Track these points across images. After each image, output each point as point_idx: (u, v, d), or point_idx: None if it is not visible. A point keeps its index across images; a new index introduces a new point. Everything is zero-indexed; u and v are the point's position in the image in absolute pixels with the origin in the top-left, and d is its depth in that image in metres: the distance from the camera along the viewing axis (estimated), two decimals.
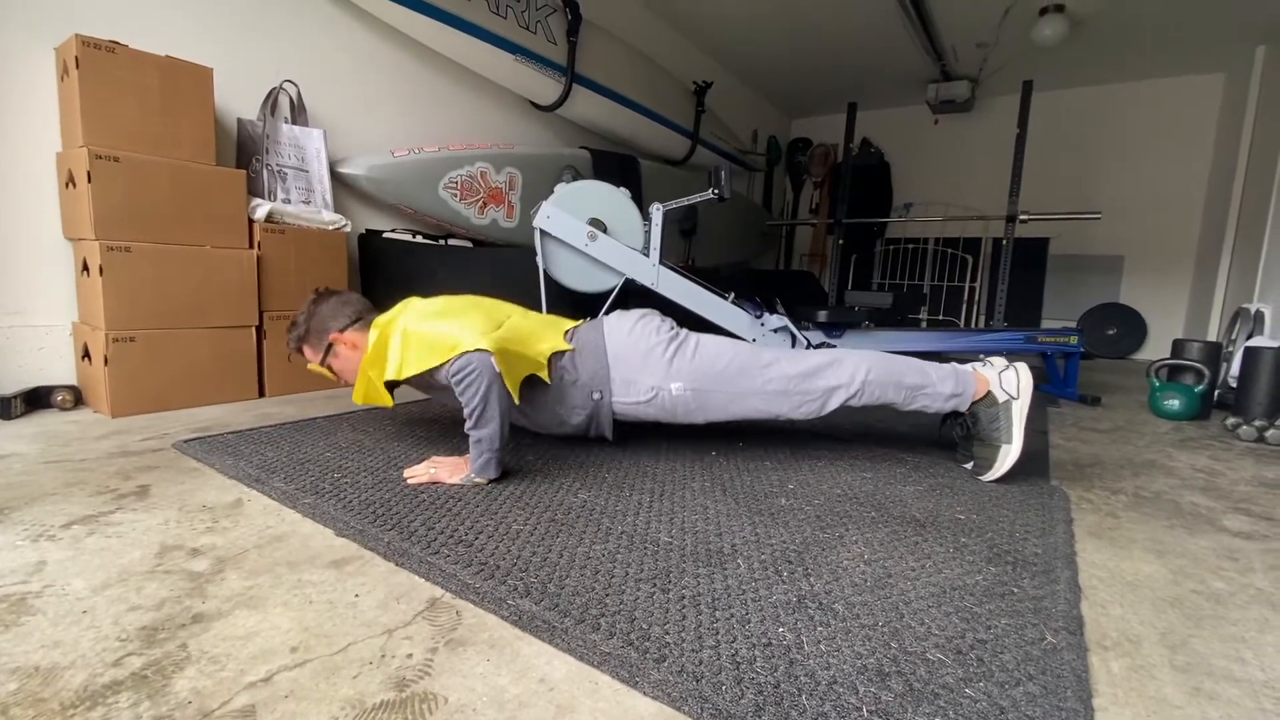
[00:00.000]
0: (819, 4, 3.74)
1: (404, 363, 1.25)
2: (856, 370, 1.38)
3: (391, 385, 1.33)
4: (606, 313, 1.56)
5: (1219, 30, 3.80)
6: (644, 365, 1.37)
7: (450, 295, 1.45)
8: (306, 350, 1.42)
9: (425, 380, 1.30)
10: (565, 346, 1.40)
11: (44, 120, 1.75)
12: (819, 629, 0.78)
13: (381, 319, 1.36)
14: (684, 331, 1.45)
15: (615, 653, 0.72)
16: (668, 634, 0.76)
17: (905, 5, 3.59)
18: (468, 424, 1.24)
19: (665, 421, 1.44)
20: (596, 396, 1.39)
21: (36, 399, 1.74)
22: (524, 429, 1.54)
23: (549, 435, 1.57)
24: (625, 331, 1.41)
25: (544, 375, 1.36)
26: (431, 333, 1.26)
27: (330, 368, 1.42)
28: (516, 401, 1.29)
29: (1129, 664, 0.76)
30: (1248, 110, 3.86)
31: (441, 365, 1.23)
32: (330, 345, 1.39)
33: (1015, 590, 0.91)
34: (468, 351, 1.21)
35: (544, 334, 1.41)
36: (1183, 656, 0.78)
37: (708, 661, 0.71)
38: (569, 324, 1.49)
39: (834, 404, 1.39)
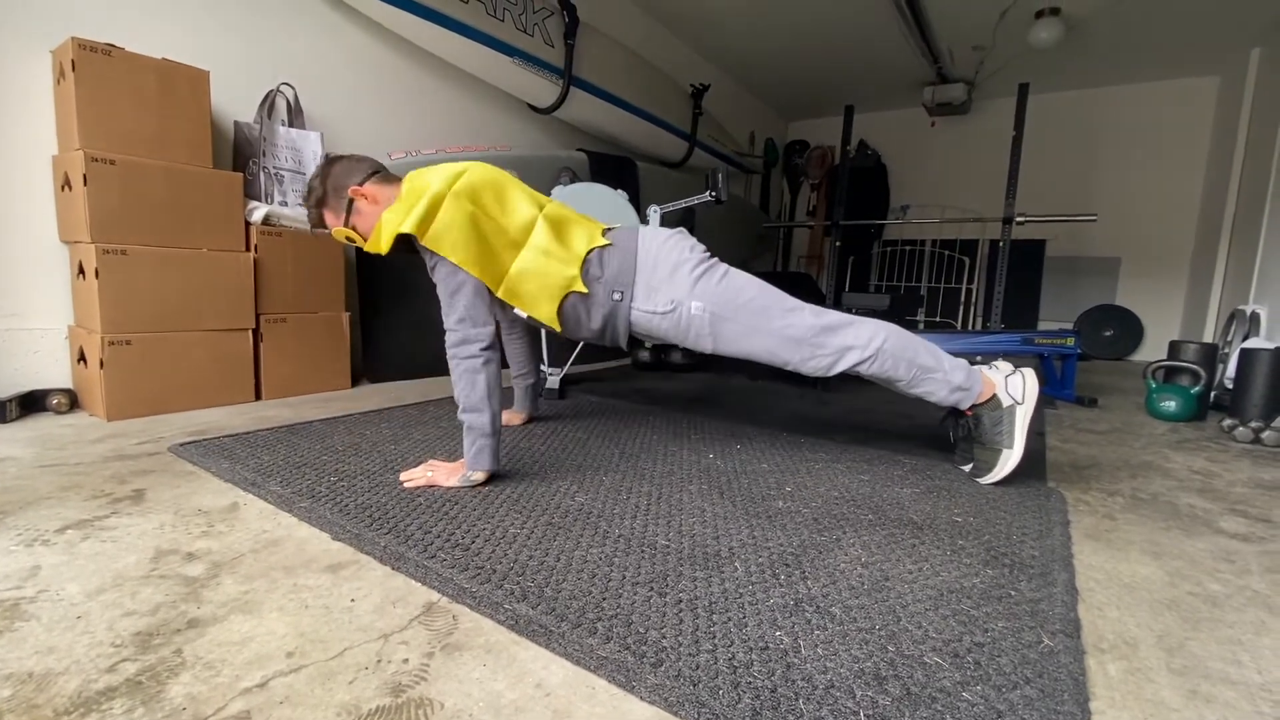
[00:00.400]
0: (816, 7, 3.75)
1: (437, 231, 1.23)
2: (875, 336, 1.37)
3: (403, 241, 1.28)
4: None
5: (1214, 33, 3.82)
6: (670, 277, 1.35)
7: (488, 168, 1.38)
8: (327, 215, 1.36)
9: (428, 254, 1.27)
10: (602, 242, 1.36)
11: (40, 123, 1.75)
12: (816, 632, 0.78)
13: (421, 174, 1.31)
14: (716, 258, 1.42)
15: (612, 657, 0.71)
16: (665, 638, 0.76)
17: (902, 8, 3.60)
18: (460, 410, 1.24)
19: (674, 341, 1.41)
20: (617, 297, 1.35)
21: (31, 402, 1.73)
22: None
23: (564, 349, 1.51)
24: (660, 241, 1.39)
25: (579, 285, 1.32)
26: (474, 225, 1.25)
27: (355, 228, 1.35)
28: (558, 329, 1.31)
29: (1126, 667, 0.76)
30: (1242, 113, 3.88)
31: (455, 272, 1.24)
32: (351, 201, 1.33)
33: (1013, 593, 0.91)
34: (469, 321, 1.23)
35: (581, 229, 1.38)
36: (1180, 659, 0.78)
37: (705, 665, 0.70)
38: (604, 225, 1.46)
39: (844, 364, 1.37)
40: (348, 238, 1.37)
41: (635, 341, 1.47)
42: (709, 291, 1.35)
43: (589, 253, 1.35)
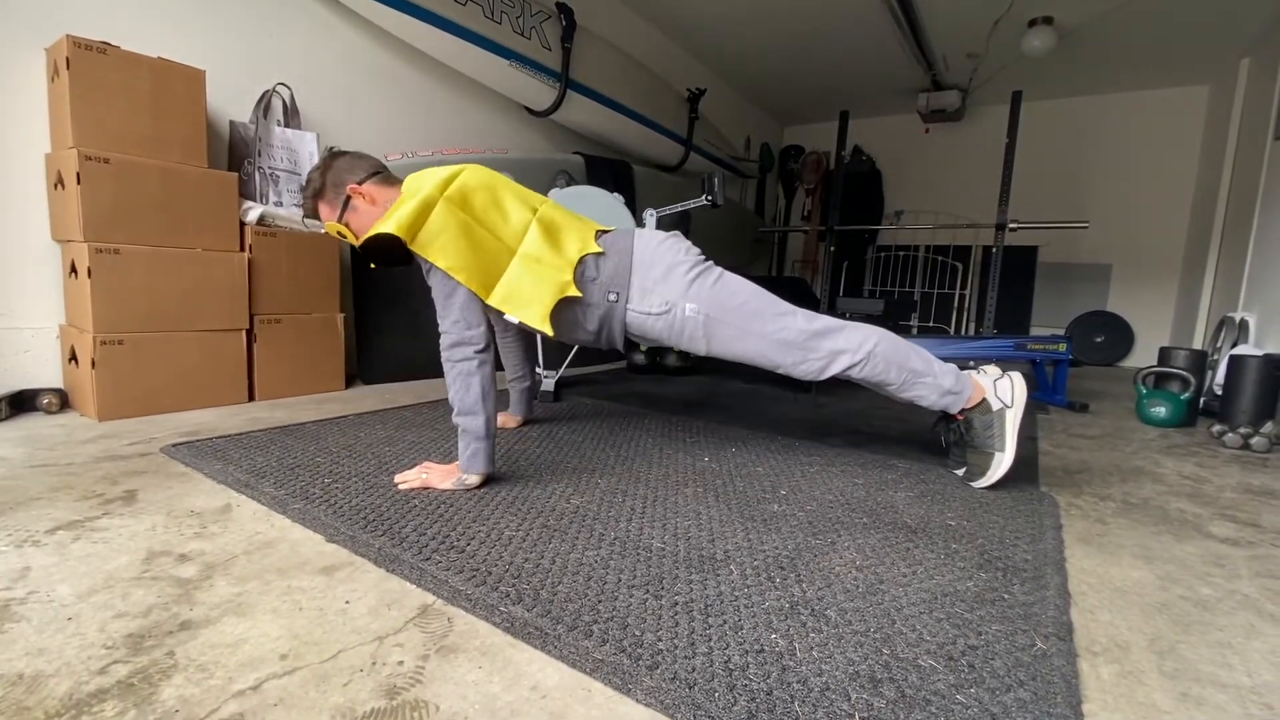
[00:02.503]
0: (812, 13, 3.77)
1: (427, 236, 1.21)
2: (866, 340, 1.38)
3: (390, 249, 1.25)
4: None
5: (1204, 43, 3.87)
6: (665, 279, 1.35)
7: (484, 170, 1.37)
8: (322, 208, 1.35)
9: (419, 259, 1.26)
10: (595, 248, 1.36)
11: (33, 121, 1.74)
12: (811, 635, 0.79)
13: (418, 177, 1.29)
14: (710, 261, 1.43)
15: (608, 660, 0.71)
16: (660, 641, 0.76)
17: (897, 15, 3.63)
18: (454, 413, 1.24)
19: (668, 343, 1.41)
20: (612, 298, 1.35)
21: (21, 402, 1.72)
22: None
23: (559, 352, 1.49)
24: (655, 242, 1.39)
25: (572, 290, 1.31)
26: (466, 232, 1.24)
27: (348, 225, 1.34)
28: (551, 335, 1.30)
29: (1118, 670, 0.77)
30: (1232, 122, 3.93)
31: (448, 278, 1.23)
32: (348, 199, 1.32)
33: (1006, 596, 0.92)
34: (463, 323, 1.22)
35: (575, 233, 1.38)
36: (1171, 662, 0.79)
37: (700, 668, 0.70)
38: (599, 226, 1.46)
39: (836, 368, 1.38)
40: (339, 233, 1.36)
41: (631, 344, 1.47)
42: (703, 294, 1.35)
43: (582, 258, 1.34)
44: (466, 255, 1.24)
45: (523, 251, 1.30)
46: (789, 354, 1.38)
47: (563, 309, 1.33)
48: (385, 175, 1.36)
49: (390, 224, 1.20)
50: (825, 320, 1.40)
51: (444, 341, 1.25)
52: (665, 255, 1.37)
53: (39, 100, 1.74)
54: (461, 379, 1.23)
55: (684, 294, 1.35)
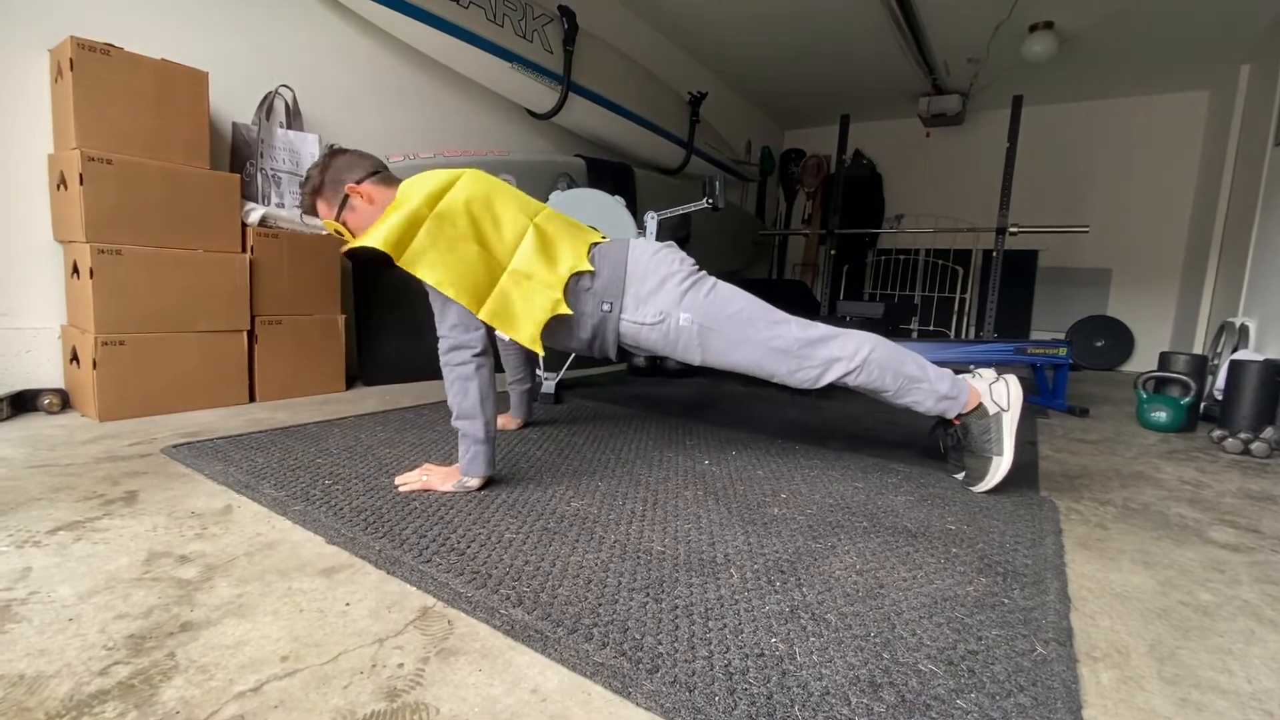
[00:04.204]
0: (814, 17, 3.78)
1: (413, 253, 1.19)
2: (861, 347, 1.38)
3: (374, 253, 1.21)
4: None
5: (1205, 50, 3.88)
6: (659, 289, 1.36)
7: (480, 178, 1.35)
8: (320, 205, 1.34)
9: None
10: (586, 267, 1.35)
11: (36, 122, 1.74)
12: (811, 639, 0.79)
13: (412, 183, 1.28)
14: (704, 271, 1.43)
15: (608, 663, 0.71)
16: (660, 644, 0.76)
17: (898, 20, 3.64)
18: (453, 417, 1.24)
19: (663, 353, 1.41)
20: (606, 308, 1.35)
21: (22, 402, 1.72)
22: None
23: (559, 355, 1.49)
24: (650, 253, 1.39)
25: (563, 308, 1.30)
26: (453, 248, 1.22)
27: (345, 224, 1.34)
28: (540, 353, 1.29)
29: (1118, 675, 0.77)
30: (1232, 128, 3.94)
31: (443, 297, 1.22)
32: (346, 198, 1.32)
33: (1006, 601, 0.92)
34: (461, 327, 1.22)
35: (569, 246, 1.36)
36: (1171, 668, 0.79)
37: (700, 672, 0.70)
38: (596, 236, 1.45)
39: (831, 376, 1.38)
40: (336, 230, 1.36)
41: (624, 352, 1.47)
42: (697, 303, 1.35)
43: (574, 274, 1.33)
44: (455, 271, 1.21)
45: (513, 267, 1.28)
46: (784, 362, 1.38)
47: (554, 323, 1.33)
48: (385, 175, 1.36)
49: (376, 238, 1.17)
50: (820, 328, 1.40)
51: (442, 345, 1.25)
52: (659, 266, 1.37)
53: (42, 101, 1.74)
54: (460, 383, 1.23)
55: (678, 304, 1.35)
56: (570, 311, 1.31)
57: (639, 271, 1.37)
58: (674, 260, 1.39)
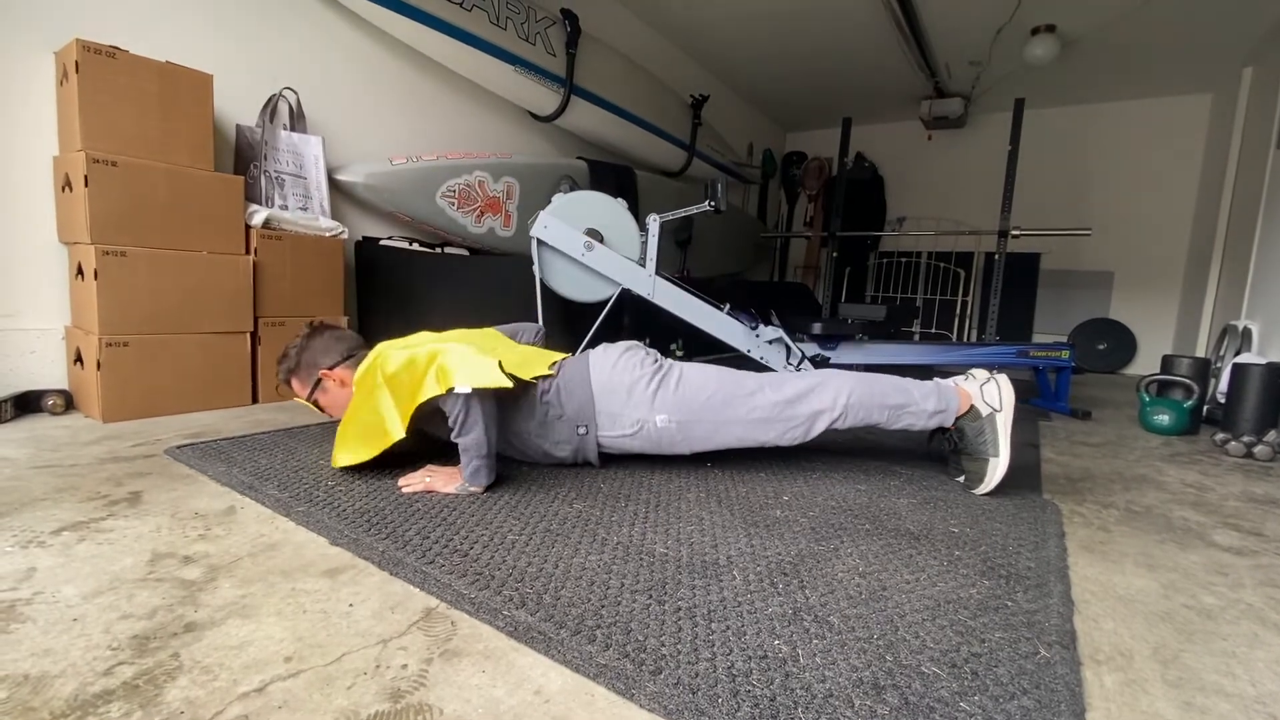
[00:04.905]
0: (815, 20, 3.79)
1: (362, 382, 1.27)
2: (839, 394, 1.38)
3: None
4: (596, 330, 1.55)
5: (1206, 53, 3.88)
6: (628, 399, 1.37)
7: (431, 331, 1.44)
8: (295, 383, 1.45)
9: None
10: (550, 373, 1.39)
11: (41, 124, 1.75)
12: (815, 641, 0.79)
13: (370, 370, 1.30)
14: (667, 362, 1.45)
15: (611, 665, 0.71)
16: (664, 646, 0.76)
17: (900, 23, 3.65)
18: (454, 432, 1.24)
19: (651, 453, 1.44)
20: (582, 431, 1.39)
21: (26, 403, 1.72)
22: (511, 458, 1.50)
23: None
24: (610, 365, 1.40)
25: (534, 374, 1.35)
26: (371, 394, 1.27)
27: (317, 403, 1.45)
28: (509, 385, 1.28)
29: (1122, 678, 0.77)
30: (1234, 130, 3.93)
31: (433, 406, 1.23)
32: (319, 381, 1.41)
33: (1009, 604, 0.92)
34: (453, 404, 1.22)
35: (532, 361, 1.42)
36: (1175, 671, 0.79)
37: (704, 674, 0.70)
38: (556, 356, 1.48)
39: (819, 428, 1.39)
40: (314, 404, 1.45)
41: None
42: (669, 402, 1.37)
43: (538, 377, 1.36)
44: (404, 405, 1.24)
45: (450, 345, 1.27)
46: (769, 429, 1.39)
47: (532, 444, 1.39)
48: (359, 358, 1.40)
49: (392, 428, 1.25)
50: (794, 384, 1.41)
51: (448, 412, 1.25)
52: (623, 376, 1.39)
53: (47, 103, 1.75)
54: (461, 419, 1.23)
55: (650, 407, 1.37)
56: (510, 385, 1.25)
57: (604, 388, 1.38)
58: (634, 364, 1.41)
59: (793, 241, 5.98)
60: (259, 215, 1.97)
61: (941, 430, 1.48)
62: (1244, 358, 2.60)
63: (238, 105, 2.11)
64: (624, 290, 2.25)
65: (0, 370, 1.72)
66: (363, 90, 2.54)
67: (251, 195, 2.06)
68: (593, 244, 2.19)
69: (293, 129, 2.22)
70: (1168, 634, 0.88)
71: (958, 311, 5.15)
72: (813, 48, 4.19)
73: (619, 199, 2.31)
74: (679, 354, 3.12)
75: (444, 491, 1.24)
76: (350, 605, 0.83)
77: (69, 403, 1.78)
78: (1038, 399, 2.79)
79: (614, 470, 1.47)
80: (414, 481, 1.26)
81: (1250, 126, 3.80)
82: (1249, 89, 3.87)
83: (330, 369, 1.41)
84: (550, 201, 2.24)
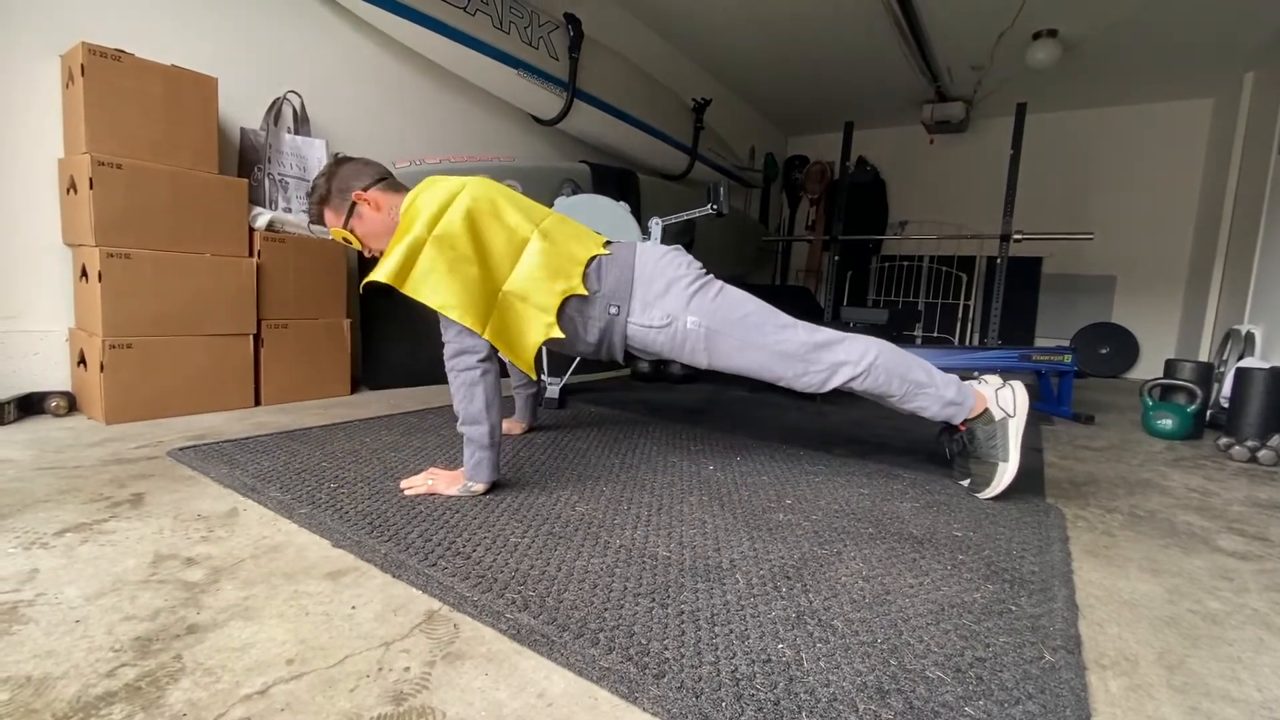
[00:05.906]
0: (817, 24, 3.79)
1: (415, 280, 1.21)
2: (867, 352, 1.38)
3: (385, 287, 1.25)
4: None
5: (1208, 57, 3.88)
6: (666, 292, 1.35)
7: (484, 186, 1.35)
8: (328, 214, 1.36)
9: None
10: (580, 290, 1.33)
11: (46, 126, 1.76)
12: (818, 645, 0.78)
13: (417, 196, 1.28)
14: (711, 275, 1.43)
15: (614, 668, 0.71)
16: (667, 649, 0.75)
17: (901, 28, 3.65)
18: (459, 422, 1.24)
19: (669, 357, 1.40)
20: (613, 311, 1.35)
21: (29, 405, 1.72)
22: None
23: (564, 360, 1.46)
24: (656, 257, 1.39)
25: (555, 332, 1.31)
26: (454, 269, 1.22)
27: (353, 231, 1.35)
28: (535, 378, 1.32)
29: (1127, 683, 0.76)
30: (1236, 135, 3.93)
31: (441, 316, 1.22)
32: (353, 205, 1.33)
33: (1013, 608, 0.91)
34: (467, 333, 1.22)
35: (568, 259, 1.35)
36: (1180, 676, 0.78)
37: (707, 678, 0.70)
38: (599, 244, 1.43)
39: (838, 380, 1.38)
40: (345, 239, 1.37)
41: (630, 355, 1.47)
42: (704, 307, 1.35)
43: (565, 300, 1.32)
44: (457, 295, 1.22)
45: (507, 289, 1.28)
46: (790, 366, 1.38)
47: (563, 320, 1.33)
48: (390, 181, 1.37)
49: (383, 272, 1.21)
50: (827, 333, 1.40)
51: (447, 351, 1.25)
52: (666, 269, 1.38)
53: (53, 106, 1.76)
54: (465, 388, 1.24)
55: (685, 307, 1.35)
56: (563, 335, 1.32)
57: (646, 275, 1.37)
58: (681, 264, 1.39)
59: (794, 245, 5.98)
60: (262, 218, 1.98)
61: (951, 429, 1.48)
62: (1247, 362, 2.59)
63: (242, 108, 2.11)
64: None
65: (3, 372, 1.72)
66: (367, 94, 2.55)
67: (255, 198, 2.07)
68: None
69: (297, 132, 2.23)
70: (1173, 639, 0.88)
71: (960, 315, 5.14)
72: (815, 52, 4.20)
73: (621, 202, 2.31)
74: None
75: (446, 494, 1.24)
76: (353, 607, 0.83)
77: (72, 404, 1.78)
78: (1040, 403, 2.78)
79: (616, 473, 1.47)
80: (416, 484, 1.26)
81: (1252, 131, 3.80)
82: (1250, 94, 3.87)
83: (364, 190, 1.32)
84: (553, 204, 2.25)
